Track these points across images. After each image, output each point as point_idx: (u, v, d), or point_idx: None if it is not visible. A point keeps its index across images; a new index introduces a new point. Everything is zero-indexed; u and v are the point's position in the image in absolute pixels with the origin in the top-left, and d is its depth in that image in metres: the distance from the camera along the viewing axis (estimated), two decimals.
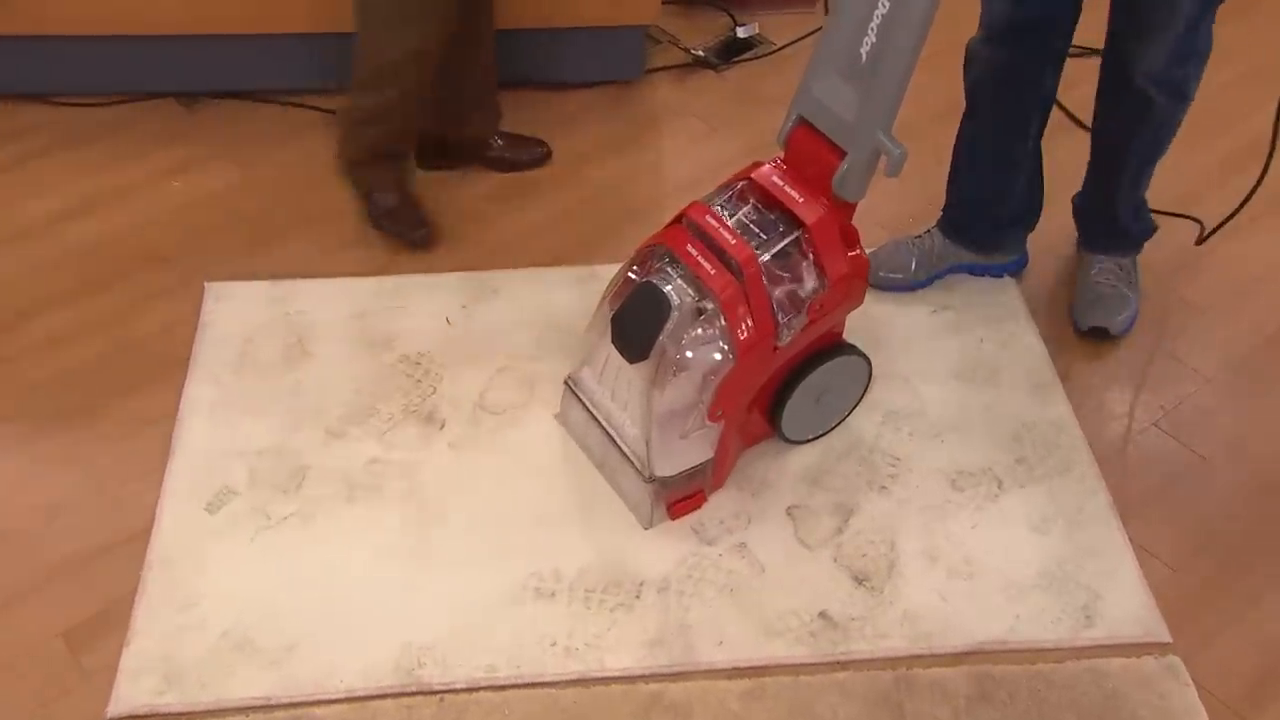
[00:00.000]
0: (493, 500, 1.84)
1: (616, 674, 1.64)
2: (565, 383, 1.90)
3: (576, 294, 2.17)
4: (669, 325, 1.65)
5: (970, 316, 2.15)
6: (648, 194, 2.42)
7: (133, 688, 1.60)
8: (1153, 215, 2.15)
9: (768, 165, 1.74)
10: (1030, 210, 2.17)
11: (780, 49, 2.80)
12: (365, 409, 1.96)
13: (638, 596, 1.72)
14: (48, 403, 1.98)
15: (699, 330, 1.66)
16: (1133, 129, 1.95)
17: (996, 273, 2.21)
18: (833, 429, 1.95)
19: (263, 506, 1.82)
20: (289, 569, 1.74)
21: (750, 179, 1.74)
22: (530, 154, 2.42)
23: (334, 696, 1.60)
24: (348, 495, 1.84)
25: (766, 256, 1.66)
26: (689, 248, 1.69)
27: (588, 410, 1.85)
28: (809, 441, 1.93)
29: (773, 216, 1.70)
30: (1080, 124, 2.53)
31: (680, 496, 1.81)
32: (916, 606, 1.72)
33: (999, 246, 2.18)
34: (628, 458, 1.78)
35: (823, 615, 1.71)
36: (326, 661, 1.63)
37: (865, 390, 1.95)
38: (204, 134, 2.51)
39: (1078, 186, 2.21)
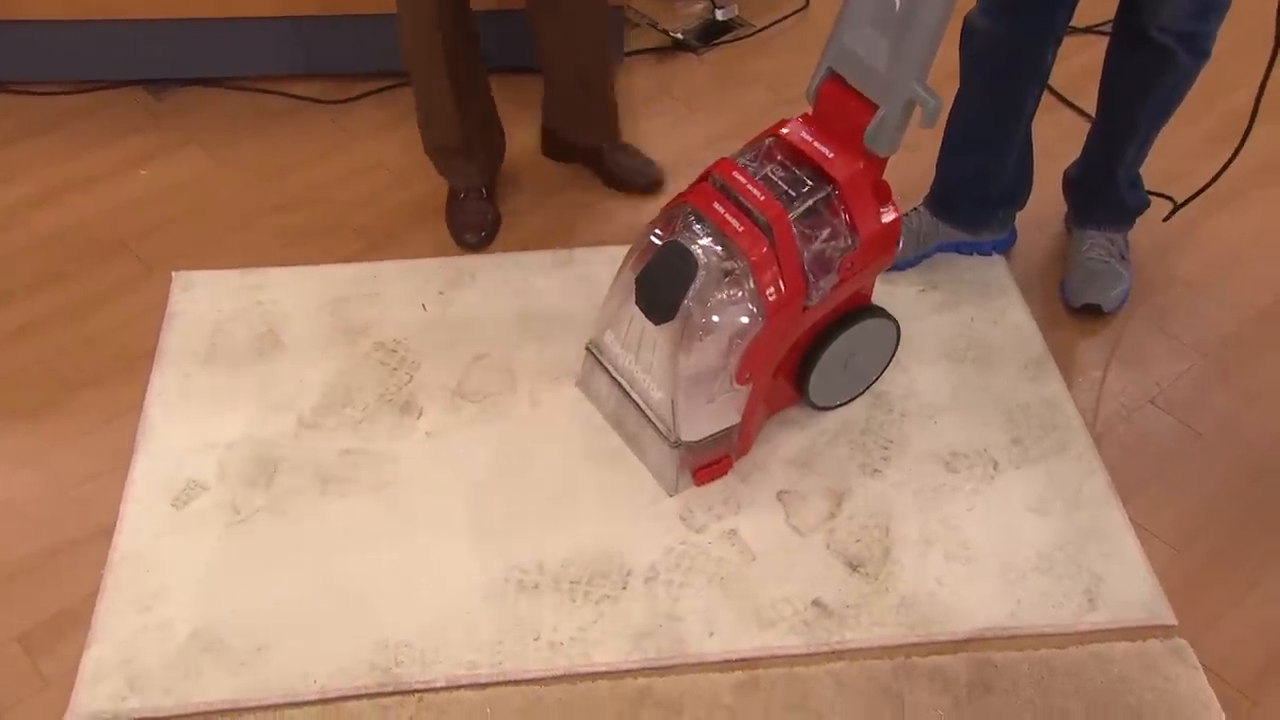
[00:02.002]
0: (472, 490, 1.72)
1: (603, 668, 1.53)
2: (587, 348, 1.80)
3: (555, 278, 2.05)
4: (696, 285, 1.55)
5: (959, 295, 2.04)
6: None
7: (93, 693, 1.47)
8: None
9: (796, 121, 1.64)
10: (1020, 189, 2.06)
11: (759, 30, 2.69)
12: (339, 399, 1.84)
13: (624, 587, 1.61)
14: (6, 397, 1.84)
15: (726, 291, 1.56)
16: (1147, 86, 1.84)
17: (985, 251, 2.11)
18: (860, 394, 1.85)
19: (232, 501, 1.69)
20: (259, 565, 1.62)
21: (778, 135, 1.64)
22: (642, 176, 2.24)
23: (307, 698, 1.48)
24: (321, 488, 1.71)
25: (796, 214, 1.56)
26: (716, 205, 1.59)
27: (610, 376, 1.75)
28: (836, 408, 1.84)
29: (802, 173, 1.60)
30: (1065, 100, 2.44)
31: (706, 462, 1.71)
32: (913, 593, 1.61)
33: (988, 224, 2.07)
34: (652, 423, 1.68)
35: (816, 603, 1.60)
36: (299, 662, 1.51)
37: (894, 355, 1.86)
38: (172, 121, 2.38)
39: (1064, 162, 2.11)
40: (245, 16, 2.34)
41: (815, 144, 1.60)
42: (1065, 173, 2.11)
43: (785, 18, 2.72)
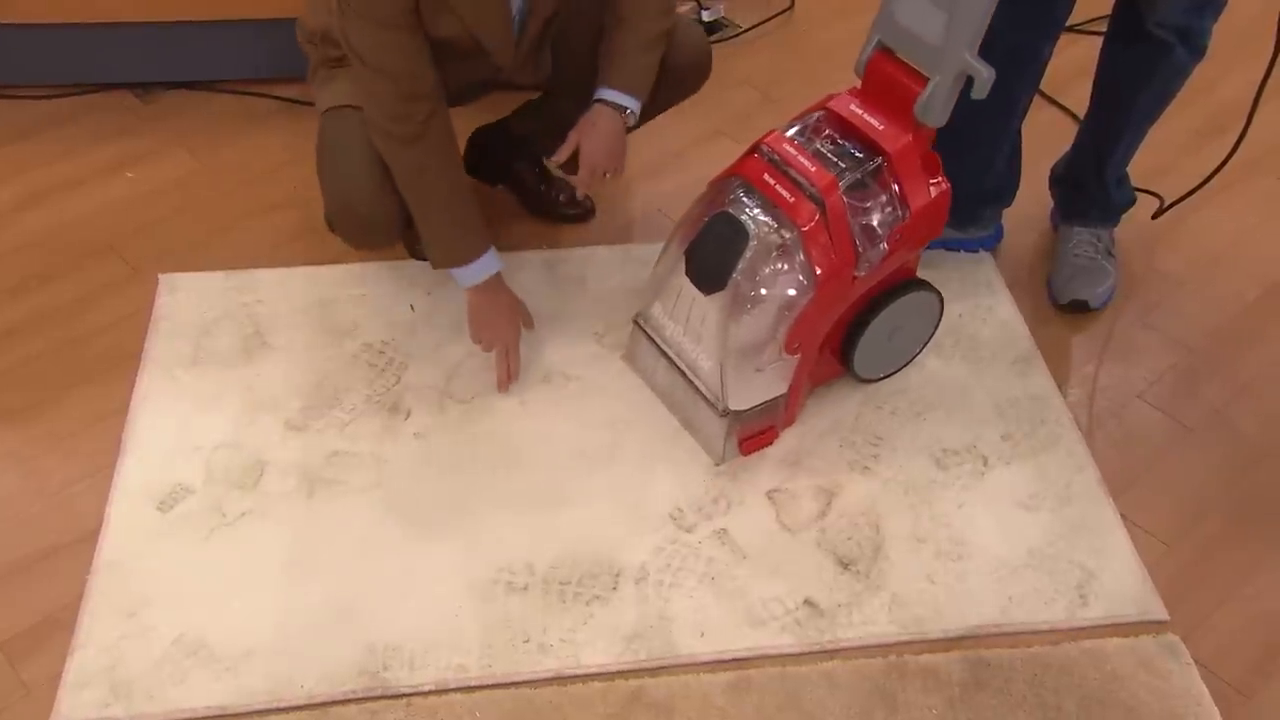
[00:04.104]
0: (461, 491, 1.67)
1: (594, 670, 1.48)
2: (634, 321, 1.78)
3: (543, 278, 2.00)
4: (746, 255, 1.54)
5: (948, 292, 1.96)
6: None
7: (75, 700, 1.42)
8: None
9: (844, 94, 1.62)
10: (1009, 187, 2.02)
11: (745, 31, 2.64)
12: (327, 400, 1.79)
13: (614, 588, 1.56)
14: None
15: (777, 261, 1.55)
16: (1143, 81, 1.80)
17: (971, 248, 2.06)
18: (903, 367, 1.84)
19: (218, 504, 1.64)
20: (246, 569, 1.57)
21: (827, 109, 1.62)
22: (577, 206, 2.12)
23: (293, 703, 1.43)
24: (308, 490, 1.66)
25: (846, 184, 1.55)
26: (766, 177, 1.57)
27: (657, 347, 1.73)
28: (879, 380, 1.83)
29: (851, 146, 1.58)
30: (1049, 99, 2.40)
31: (753, 432, 1.69)
32: (905, 590, 1.57)
33: (975, 221, 2.03)
34: (700, 392, 1.67)
35: (808, 602, 1.55)
36: (285, 666, 1.46)
37: (937, 327, 1.84)
38: (159, 124, 2.32)
39: (1049, 160, 2.08)
40: (231, 19, 2.29)
41: (865, 116, 1.58)
42: (1053, 169, 2.07)
43: (770, 19, 2.68)
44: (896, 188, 1.57)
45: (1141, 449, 1.78)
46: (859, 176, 1.56)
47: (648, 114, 1.84)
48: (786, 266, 1.55)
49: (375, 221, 1.74)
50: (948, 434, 1.77)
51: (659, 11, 1.73)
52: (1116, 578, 1.59)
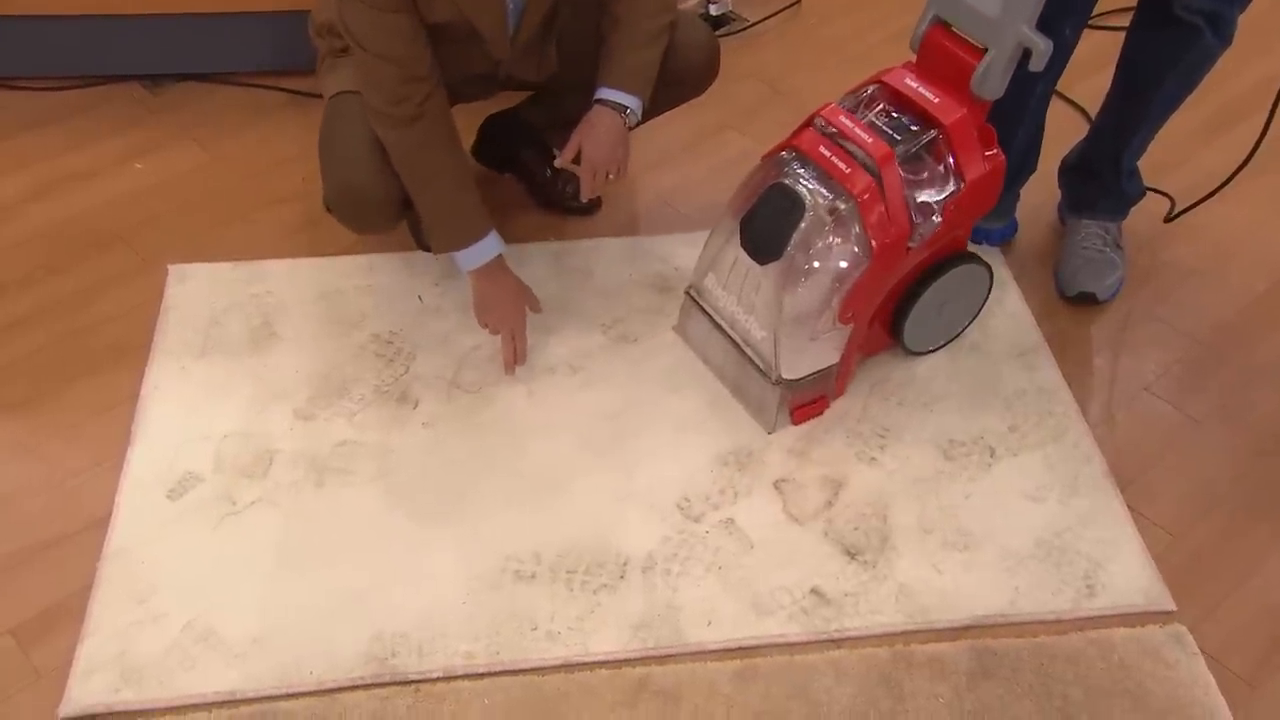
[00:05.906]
0: (468, 481, 1.68)
1: (601, 658, 1.49)
2: (686, 293, 1.81)
3: (551, 269, 2.01)
4: (802, 225, 1.56)
5: None
6: None
7: (86, 686, 1.43)
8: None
9: (899, 69, 1.64)
10: (1024, 169, 2.01)
11: (752, 25, 2.65)
12: (335, 390, 1.80)
13: (622, 577, 1.57)
14: (1, 390, 1.80)
15: (832, 231, 1.57)
16: (1169, 66, 1.79)
17: (986, 238, 2.06)
18: (953, 340, 1.87)
19: (227, 492, 1.65)
20: (255, 557, 1.58)
21: (882, 82, 1.64)
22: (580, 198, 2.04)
23: (302, 689, 1.44)
24: (317, 479, 1.67)
25: (902, 155, 1.57)
26: (822, 149, 1.60)
27: (710, 318, 1.76)
28: (929, 353, 1.86)
29: (906, 119, 1.61)
30: (1057, 93, 2.40)
31: (804, 401, 1.72)
32: (911, 580, 1.57)
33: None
34: (753, 362, 1.69)
35: (815, 591, 1.56)
36: (294, 653, 1.47)
37: (985, 301, 1.87)
38: (168, 116, 2.34)
39: (1057, 152, 2.07)
40: (240, 12, 2.31)
41: (920, 89, 1.60)
42: (1063, 160, 2.07)
43: (778, 13, 2.68)
44: (951, 160, 1.59)
45: (1149, 441, 1.79)
46: (915, 148, 1.58)
47: (655, 111, 1.84)
48: (842, 237, 1.57)
49: (373, 203, 1.74)
50: (955, 425, 1.77)
51: (656, 8, 1.74)
52: (1123, 568, 1.60)
